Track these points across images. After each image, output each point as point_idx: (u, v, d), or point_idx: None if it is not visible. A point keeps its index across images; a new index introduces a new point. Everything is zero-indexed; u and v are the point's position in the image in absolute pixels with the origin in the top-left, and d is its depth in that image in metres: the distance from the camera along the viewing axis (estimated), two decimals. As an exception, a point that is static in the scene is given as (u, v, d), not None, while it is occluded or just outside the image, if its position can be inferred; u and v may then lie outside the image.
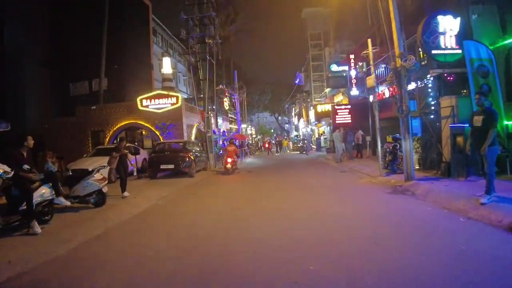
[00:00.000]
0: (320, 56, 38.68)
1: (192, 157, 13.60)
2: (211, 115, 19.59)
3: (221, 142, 22.06)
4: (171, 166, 13.28)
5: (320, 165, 17.89)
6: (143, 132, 19.40)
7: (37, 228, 5.35)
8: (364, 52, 10.45)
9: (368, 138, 17.94)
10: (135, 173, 13.68)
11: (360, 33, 22.06)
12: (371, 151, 17.84)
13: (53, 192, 6.02)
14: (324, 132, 30.05)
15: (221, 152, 20.86)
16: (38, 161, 17.73)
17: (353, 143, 17.68)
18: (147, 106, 18.41)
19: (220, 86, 29.28)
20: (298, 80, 50.12)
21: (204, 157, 16.26)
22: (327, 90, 32.77)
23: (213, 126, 20.73)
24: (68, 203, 6.25)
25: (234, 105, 35.88)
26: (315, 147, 31.64)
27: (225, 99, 32.55)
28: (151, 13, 29.20)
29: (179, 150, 13.91)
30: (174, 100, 18.36)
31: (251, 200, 8.07)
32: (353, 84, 19.36)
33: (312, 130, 35.78)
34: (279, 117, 64.14)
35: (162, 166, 13.36)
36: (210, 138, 18.20)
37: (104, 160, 12.69)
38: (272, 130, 76.46)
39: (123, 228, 5.88)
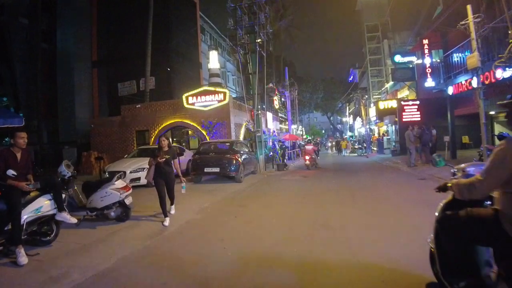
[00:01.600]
0: (378, 49, 35.34)
1: (239, 159, 11.86)
2: (261, 113, 17.81)
3: (270, 143, 20.19)
4: (216, 170, 11.59)
5: (389, 170, 15.12)
6: (189, 132, 18.22)
7: (22, 258, 3.85)
8: (462, 23, 7.92)
9: (446, 138, 14.95)
10: None
11: (427, 17, 18.99)
12: (449, 153, 14.86)
13: (55, 206, 4.54)
14: (387, 132, 26.89)
15: (271, 154, 19.01)
16: (82, 162, 17.52)
17: (430, 144, 14.78)
18: (193, 104, 17.17)
19: (270, 84, 27.45)
20: (351, 77, 46.83)
21: (253, 159, 14.52)
22: (388, 85, 29.56)
23: (263, 125, 18.93)
24: (73, 221, 4.66)
25: (284, 104, 33.86)
26: (375, 149, 28.49)
27: (275, 97, 30.70)
28: (199, 10, 28.44)
29: (226, 151, 12.22)
30: (221, 96, 16.87)
31: (318, 222, 5.82)
32: (428, 74, 16.33)
33: (371, 130, 32.53)
34: (332, 117, 60.81)
35: (207, 170, 11.73)
36: (260, 138, 16.40)
37: (144, 162, 11.52)
38: (323, 131, 73.25)
39: (139, 262, 4.09)
